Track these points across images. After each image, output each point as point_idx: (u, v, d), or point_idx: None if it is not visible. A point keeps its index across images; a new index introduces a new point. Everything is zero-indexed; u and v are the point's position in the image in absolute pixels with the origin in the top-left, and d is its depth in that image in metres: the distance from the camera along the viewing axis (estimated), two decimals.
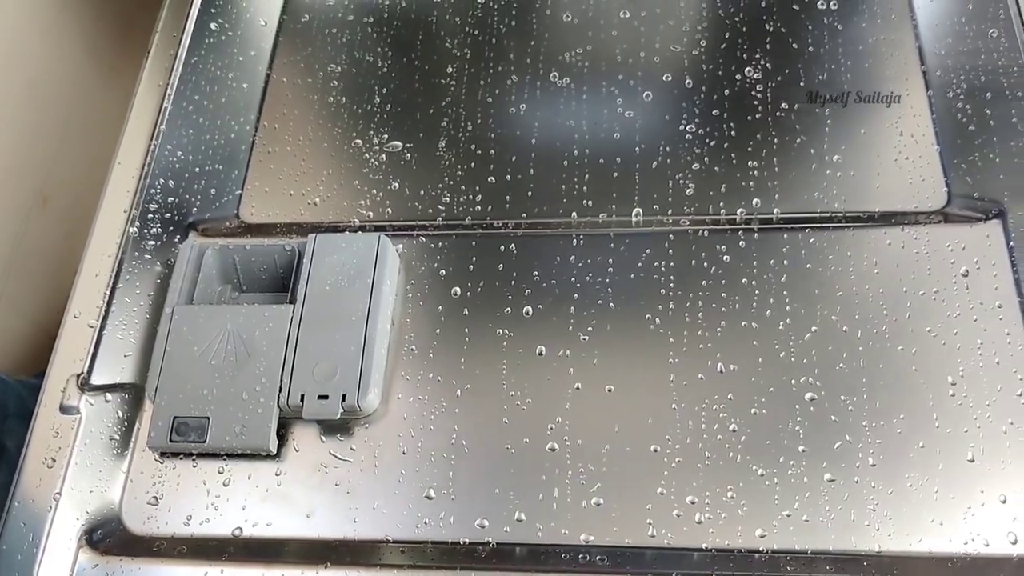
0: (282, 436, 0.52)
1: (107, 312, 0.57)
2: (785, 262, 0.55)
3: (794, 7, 0.66)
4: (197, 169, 0.62)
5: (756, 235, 0.57)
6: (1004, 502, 0.47)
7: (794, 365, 0.52)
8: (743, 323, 0.54)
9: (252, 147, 0.64)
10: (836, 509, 0.48)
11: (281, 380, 0.52)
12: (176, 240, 0.59)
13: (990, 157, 0.57)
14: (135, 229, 0.59)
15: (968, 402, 0.50)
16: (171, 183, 0.62)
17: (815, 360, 0.52)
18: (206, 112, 0.65)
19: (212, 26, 0.68)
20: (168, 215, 0.60)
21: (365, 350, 0.52)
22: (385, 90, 0.66)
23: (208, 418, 0.51)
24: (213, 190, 0.62)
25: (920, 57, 0.63)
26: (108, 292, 0.57)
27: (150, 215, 0.60)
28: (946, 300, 0.53)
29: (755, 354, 0.53)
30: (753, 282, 0.55)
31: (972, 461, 0.49)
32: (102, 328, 0.56)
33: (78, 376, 0.55)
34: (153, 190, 0.61)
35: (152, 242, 0.59)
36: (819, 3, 0.66)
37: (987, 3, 0.62)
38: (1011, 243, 0.54)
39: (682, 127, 0.62)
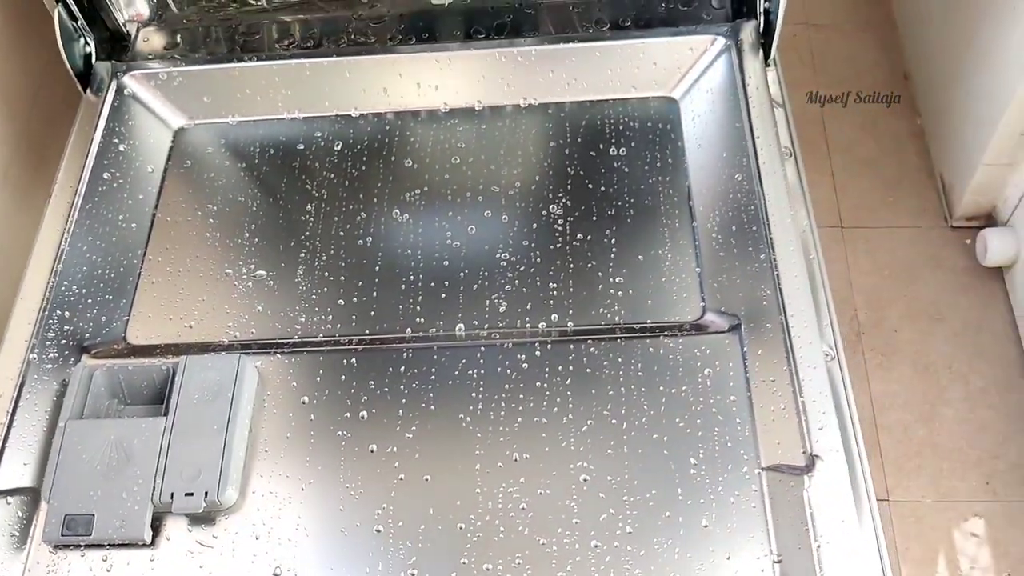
0: (156, 528, 0.63)
1: (9, 427, 0.67)
2: (571, 368, 0.69)
3: (591, 154, 0.81)
4: (90, 300, 0.74)
5: (550, 346, 0.70)
6: (729, 559, 0.61)
7: (573, 452, 0.65)
8: (535, 419, 0.67)
9: (139, 278, 0.76)
10: (600, 569, 0.61)
11: (155, 481, 0.63)
12: (71, 362, 0.71)
13: (733, 279, 0.72)
14: (35, 355, 0.70)
15: (705, 478, 0.64)
16: (67, 314, 0.73)
17: (590, 447, 0.65)
18: (99, 251, 0.77)
19: (105, 176, 0.80)
20: (64, 341, 0.72)
21: (224, 454, 0.64)
22: (254, 226, 0.79)
23: (94, 514, 0.62)
24: (104, 317, 0.73)
25: (688, 194, 0.78)
26: (10, 410, 0.68)
27: (48, 342, 0.71)
28: (693, 396, 0.67)
29: (544, 444, 0.66)
30: (545, 385, 0.68)
31: (706, 527, 0.62)
32: (4, 440, 0.67)
33: None
34: (51, 321, 0.72)
35: (49, 365, 0.70)
36: (611, 150, 0.81)
37: (736, 152, 0.77)
38: (744, 348, 0.68)
39: (498, 255, 0.76)
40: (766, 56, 0.81)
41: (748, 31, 0.82)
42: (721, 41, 0.82)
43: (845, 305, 1.07)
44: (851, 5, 1.31)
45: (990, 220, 1.08)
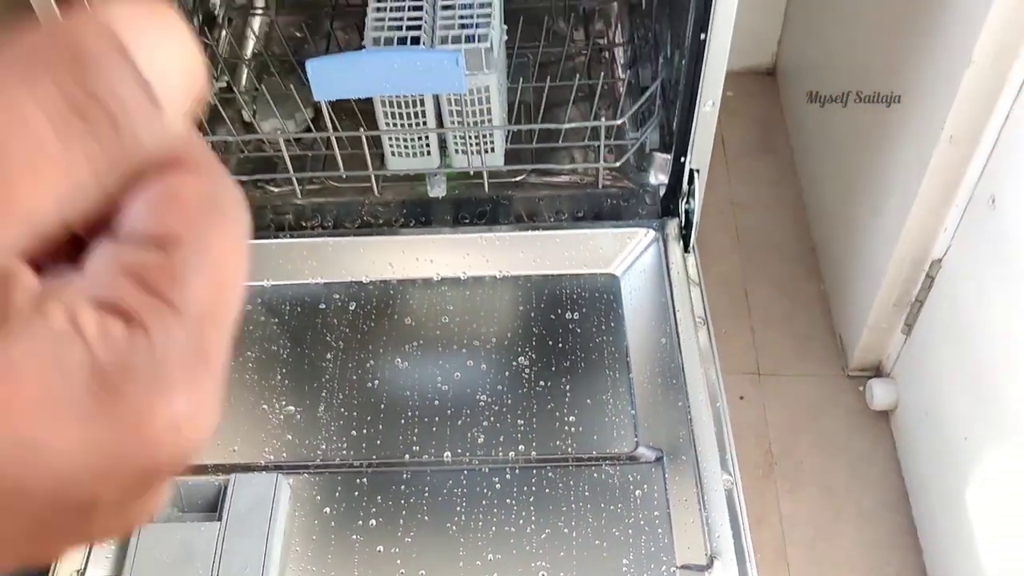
0: None
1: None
2: (534, 488, 0.89)
3: (551, 317, 1.04)
4: None
5: (517, 471, 0.91)
6: None
7: (534, 554, 0.85)
8: (505, 528, 0.87)
9: None
10: None
11: (211, 572, 0.82)
12: None
13: (659, 420, 0.93)
14: None
15: (635, 574, 0.84)
16: None
17: (547, 550, 0.85)
18: None
19: None
20: None
21: (266, 552, 0.83)
22: (284, 370, 1.00)
23: None
24: None
25: (626, 351, 1.00)
26: None
27: None
28: (626, 512, 0.87)
29: (512, 547, 0.85)
30: (513, 502, 0.88)
31: None
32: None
33: None
34: None
35: None
36: (566, 315, 1.04)
37: (661, 320, 1.00)
38: (665, 476, 0.89)
39: (477, 396, 0.97)
40: (685, 246, 1.05)
41: (672, 226, 1.07)
42: (652, 233, 1.07)
43: (761, 439, 1.29)
44: (772, 189, 1.58)
45: (877, 371, 1.32)
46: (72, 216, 0.17)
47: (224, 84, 1.18)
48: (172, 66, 0.18)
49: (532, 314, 1.04)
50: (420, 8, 0.97)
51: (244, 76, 1.24)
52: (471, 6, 0.98)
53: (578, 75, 1.19)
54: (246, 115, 1.17)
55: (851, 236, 1.30)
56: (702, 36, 0.89)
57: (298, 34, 1.30)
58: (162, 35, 0.18)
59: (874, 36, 1.19)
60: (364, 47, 0.95)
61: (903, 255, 1.12)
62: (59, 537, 0.18)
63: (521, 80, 1.13)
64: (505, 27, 1.03)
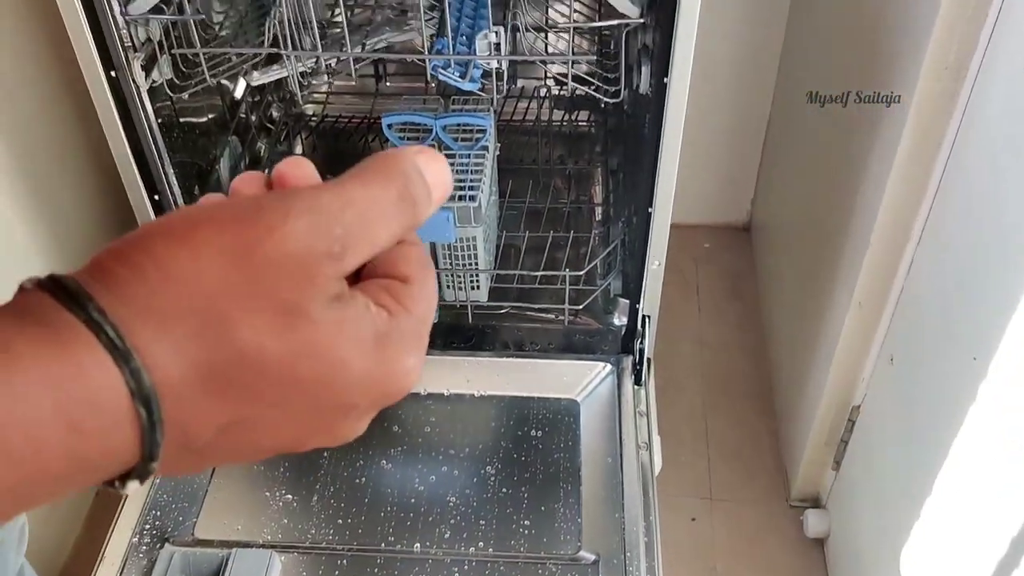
0: None
1: None
2: None
3: (518, 433, 1.21)
4: (174, 505, 1.11)
5: (475, 563, 1.06)
6: None
7: None
8: None
9: (206, 494, 1.13)
10: None
11: None
12: (158, 547, 1.06)
13: (600, 528, 1.09)
14: (135, 540, 1.06)
15: None
16: (158, 513, 1.09)
17: None
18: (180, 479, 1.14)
19: None
20: (154, 532, 1.08)
21: None
22: (287, 463, 1.17)
23: None
24: (181, 517, 1.10)
25: (579, 467, 1.16)
26: None
27: (144, 532, 1.07)
28: None
29: None
30: None
31: None
32: None
33: None
34: (147, 517, 1.08)
35: (144, 548, 1.06)
36: (531, 432, 1.21)
37: (611, 442, 1.17)
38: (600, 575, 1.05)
39: (448, 498, 1.13)
40: (636, 380, 1.23)
41: (627, 362, 1.25)
42: (609, 367, 1.24)
43: (708, 559, 1.43)
44: (739, 333, 1.76)
45: (815, 502, 1.47)
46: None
47: None
48: (439, 180, 0.35)
49: (502, 430, 1.21)
50: None
51: None
52: (467, 171, 1.19)
53: (559, 226, 1.40)
54: None
55: (796, 381, 1.47)
56: (649, 210, 1.09)
57: (327, 176, 1.53)
58: (435, 162, 0.35)
59: (819, 212, 1.40)
60: None
61: (830, 400, 1.29)
62: (319, 427, 0.33)
63: (510, 227, 1.34)
64: (496, 189, 1.24)
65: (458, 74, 1.03)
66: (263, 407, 0.30)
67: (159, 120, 1.09)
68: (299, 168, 0.36)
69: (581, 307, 1.26)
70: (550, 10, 1.46)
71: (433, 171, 0.34)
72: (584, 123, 1.60)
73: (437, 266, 1.22)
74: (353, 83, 1.61)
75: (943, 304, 0.99)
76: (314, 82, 1.59)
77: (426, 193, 0.34)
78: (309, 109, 1.61)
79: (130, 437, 0.29)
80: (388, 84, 1.60)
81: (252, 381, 0.30)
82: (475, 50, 1.03)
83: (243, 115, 1.45)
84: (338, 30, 1.13)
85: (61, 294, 0.29)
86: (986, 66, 0.89)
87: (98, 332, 0.28)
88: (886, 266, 1.10)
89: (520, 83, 1.57)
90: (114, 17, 0.98)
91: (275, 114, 1.57)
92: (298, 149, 1.58)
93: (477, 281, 1.25)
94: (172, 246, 0.29)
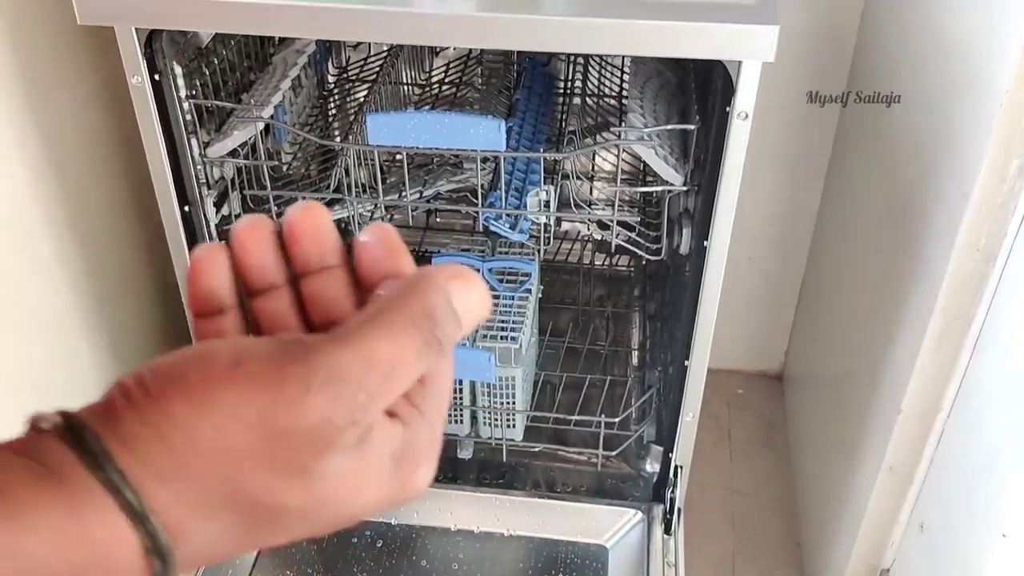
0: None
1: None
2: None
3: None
4: None
5: None
6: None
7: None
8: None
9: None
10: None
11: None
12: None
13: None
14: None
15: None
16: None
17: None
18: None
19: None
20: None
21: None
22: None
23: None
24: None
25: None
26: None
27: None
28: None
29: None
30: None
31: None
32: None
33: None
34: None
35: None
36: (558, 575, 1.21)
37: None
38: None
39: None
40: (666, 529, 1.23)
41: (658, 510, 1.26)
42: (640, 515, 1.25)
43: None
44: (769, 482, 1.76)
45: None
46: None
47: None
48: (472, 306, 0.33)
49: (530, 572, 1.22)
50: None
51: None
52: (510, 312, 1.24)
53: (596, 367, 1.43)
54: None
55: (825, 538, 1.46)
56: (685, 363, 1.12)
57: None
58: (468, 289, 0.33)
59: (852, 370, 1.42)
60: None
61: (859, 561, 1.28)
62: (322, 532, 0.33)
63: (549, 366, 1.38)
64: (536, 332, 1.28)
65: (508, 225, 1.09)
66: (279, 535, 0.32)
67: None
68: (313, 218, 0.36)
69: (615, 453, 1.28)
70: (597, 157, 1.54)
71: (465, 298, 0.33)
72: (624, 267, 1.66)
73: (475, 403, 1.26)
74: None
75: (973, 478, 1.00)
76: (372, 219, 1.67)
77: (455, 327, 0.33)
78: None
79: None
80: (439, 220, 1.67)
81: (271, 522, 0.31)
82: (525, 204, 1.09)
83: None
84: (396, 178, 1.20)
85: (79, 447, 0.29)
86: (1016, 251, 0.93)
87: (116, 494, 0.29)
88: (917, 433, 1.11)
89: (564, 225, 1.63)
90: (193, 158, 1.06)
91: None
92: None
93: (513, 420, 1.28)
94: (193, 413, 0.29)
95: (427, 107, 1.35)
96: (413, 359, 0.31)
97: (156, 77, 0.96)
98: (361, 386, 0.30)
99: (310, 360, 0.30)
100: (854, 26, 1.45)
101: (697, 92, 1.11)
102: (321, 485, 0.31)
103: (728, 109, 0.89)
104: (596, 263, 1.64)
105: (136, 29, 0.90)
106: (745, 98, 0.87)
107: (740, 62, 0.84)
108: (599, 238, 1.62)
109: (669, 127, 1.07)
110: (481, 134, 0.97)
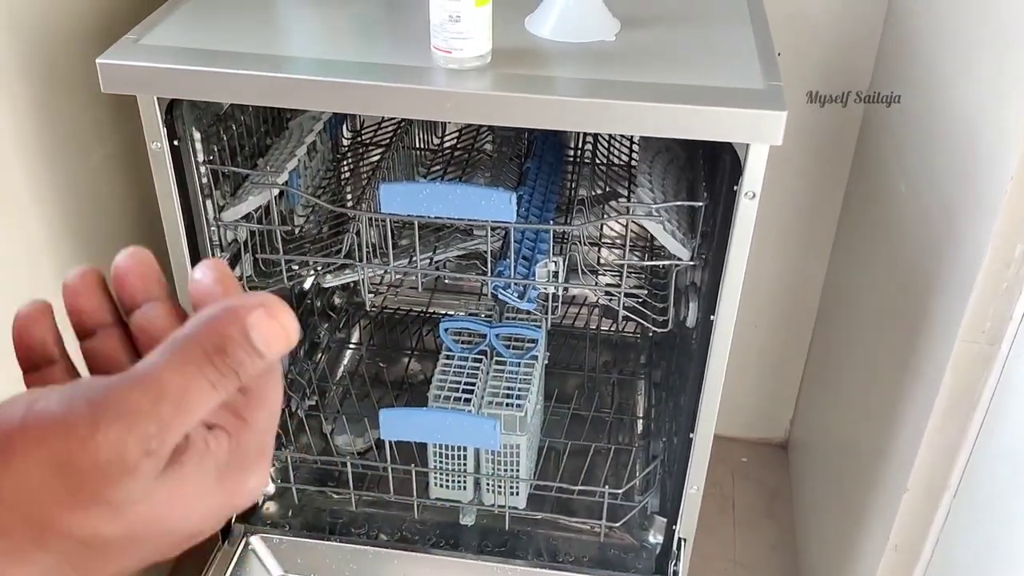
0: None
1: None
2: None
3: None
4: None
5: None
6: None
7: None
8: None
9: None
10: None
11: None
12: None
13: None
14: None
15: None
16: None
17: None
18: None
19: None
20: None
21: None
22: None
23: None
24: None
25: None
26: None
27: None
28: None
29: None
30: None
31: None
32: None
33: None
34: None
35: None
36: None
37: None
38: None
39: None
40: None
41: None
42: None
43: None
44: (772, 552, 1.74)
45: None
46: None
47: (313, 403, 1.45)
48: (274, 335, 0.33)
49: None
50: (475, 377, 1.24)
51: (329, 395, 1.51)
52: (516, 379, 1.24)
53: (601, 435, 1.43)
54: (326, 427, 1.43)
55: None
56: (690, 435, 1.12)
57: (381, 363, 1.59)
58: (269, 319, 0.32)
59: (858, 445, 1.41)
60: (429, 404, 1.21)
61: None
62: (170, 553, 0.34)
63: (554, 432, 1.38)
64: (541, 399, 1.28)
65: (516, 295, 1.10)
66: (117, 563, 0.33)
67: None
68: (139, 264, 0.38)
69: (618, 524, 1.28)
70: (604, 227, 1.55)
71: (266, 328, 0.33)
72: (631, 333, 1.66)
73: (479, 471, 1.25)
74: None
75: (978, 562, 0.99)
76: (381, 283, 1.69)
77: (252, 357, 0.33)
78: (369, 299, 1.70)
79: None
80: (447, 281, 1.68)
81: (100, 554, 0.32)
82: (534, 274, 1.10)
83: (308, 300, 1.53)
84: (407, 241, 1.22)
85: None
86: (1022, 334, 0.93)
87: None
88: (923, 513, 1.10)
89: (572, 290, 1.64)
90: (207, 221, 1.08)
91: (337, 301, 1.66)
92: (355, 336, 1.66)
93: (517, 488, 1.27)
94: None
95: (439, 172, 1.37)
96: (206, 388, 0.32)
97: (175, 143, 0.98)
98: (151, 418, 0.31)
99: (99, 398, 0.31)
100: (860, 109, 1.47)
101: (705, 168, 1.12)
102: (133, 512, 0.32)
103: (736, 188, 0.90)
104: (603, 328, 1.64)
105: (158, 98, 0.92)
106: (753, 179, 0.88)
107: (748, 144, 0.86)
108: (606, 303, 1.63)
109: (677, 203, 1.08)
110: (492, 205, 0.98)
